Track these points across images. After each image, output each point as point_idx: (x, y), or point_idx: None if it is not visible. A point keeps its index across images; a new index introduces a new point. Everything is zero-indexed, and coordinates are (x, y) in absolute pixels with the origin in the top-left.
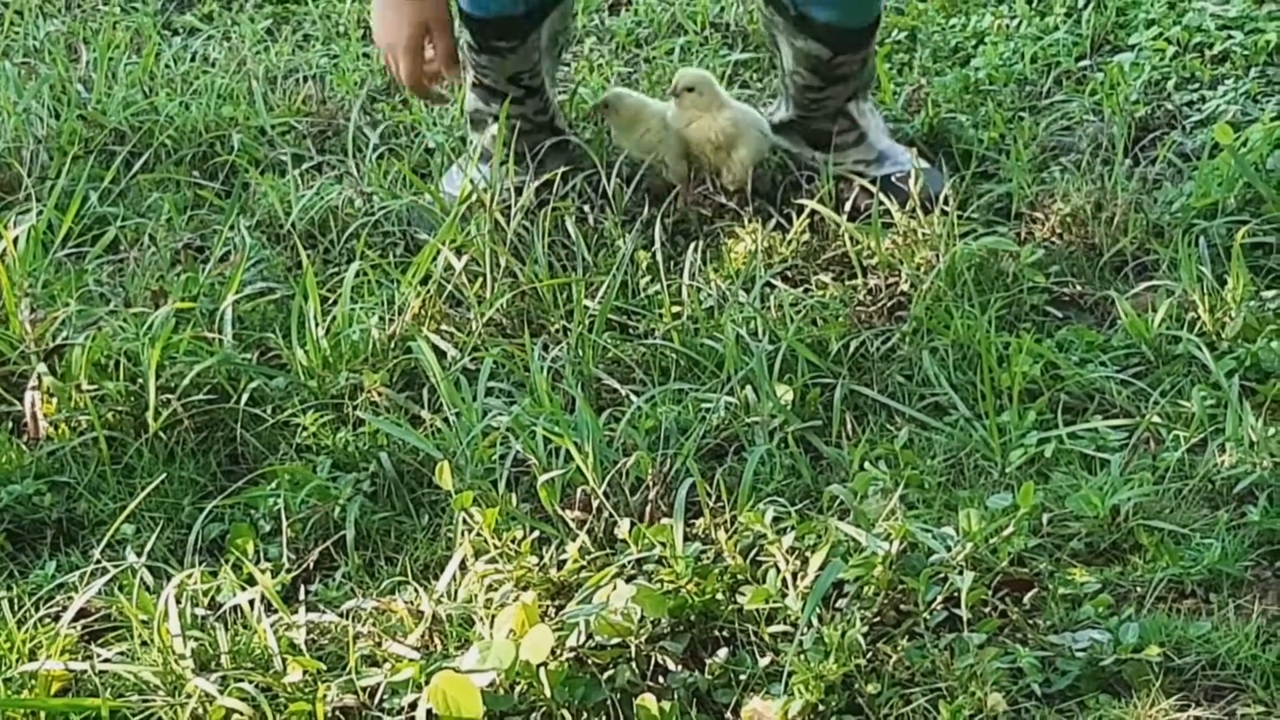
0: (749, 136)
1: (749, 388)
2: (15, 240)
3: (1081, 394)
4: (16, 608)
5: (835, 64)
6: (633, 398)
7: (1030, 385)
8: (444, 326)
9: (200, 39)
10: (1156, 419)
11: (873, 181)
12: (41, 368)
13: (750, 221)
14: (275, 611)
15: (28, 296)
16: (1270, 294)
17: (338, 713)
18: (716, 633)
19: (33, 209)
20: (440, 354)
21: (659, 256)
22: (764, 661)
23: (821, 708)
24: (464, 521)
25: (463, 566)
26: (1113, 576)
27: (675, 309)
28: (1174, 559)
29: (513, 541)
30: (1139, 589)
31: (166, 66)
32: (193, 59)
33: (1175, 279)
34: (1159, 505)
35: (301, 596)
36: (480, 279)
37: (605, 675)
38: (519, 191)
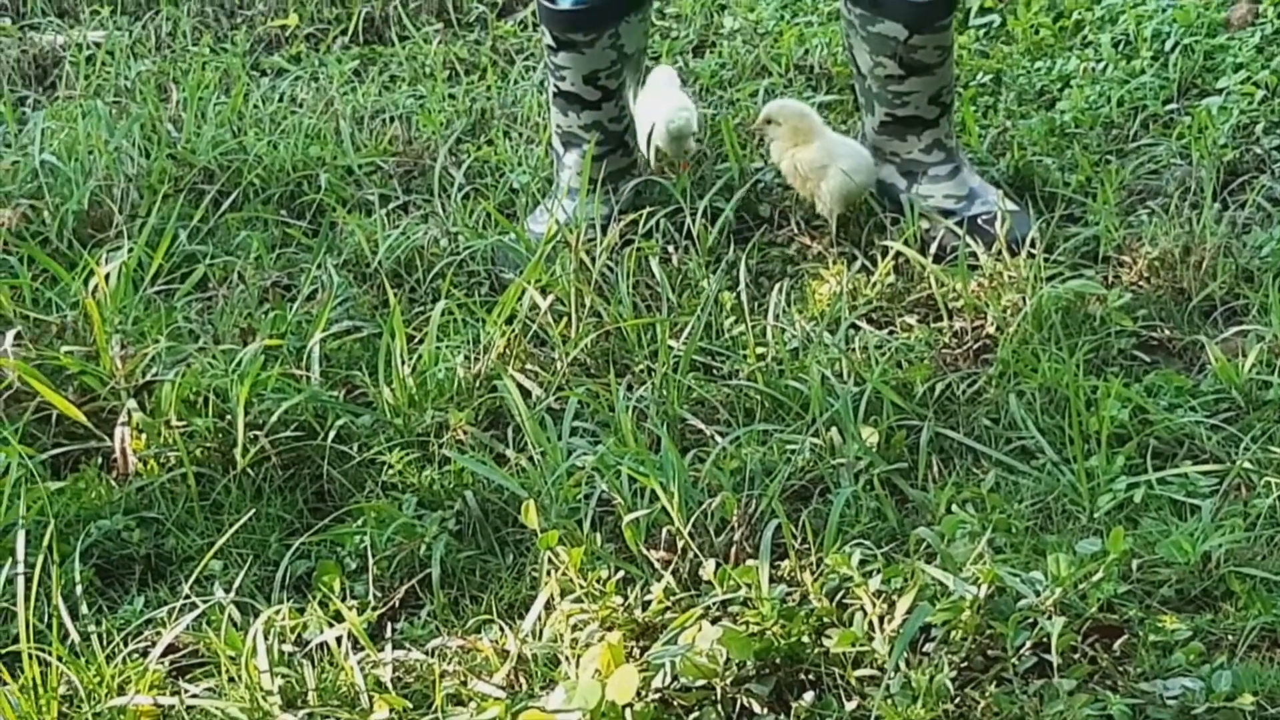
0: (835, 169)
1: (834, 429)
2: (107, 277)
3: (1171, 439)
4: (106, 643)
5: (913, 45)
6: (717, 438)
7: (1119, 430)
8: (529, 366)
9: (288, 80)
10: (1248, 465)
11: (959, 223)
12: (131, 404)
13: (835, 263)
14: (362, 649)
15: (118, 333)
16: None
17: None
18: (802, 676)
19: (124, 246)
20: (525, 393)
21: (743, 297)
22: (850, 706)
23: None
24: (549, 561)
25: (548, 606)
26: (1204, 624)
27: (759, 350)
28: (1266, 607)
29: (598, 581)
30: (1230, 637)
31: (255, 107)
32: (280, 99)
33: (1265, 324)
34: (1250, 552)
35: (388, 634)
36: (565, 318)
37: (690, 717)
38: (604, 230)
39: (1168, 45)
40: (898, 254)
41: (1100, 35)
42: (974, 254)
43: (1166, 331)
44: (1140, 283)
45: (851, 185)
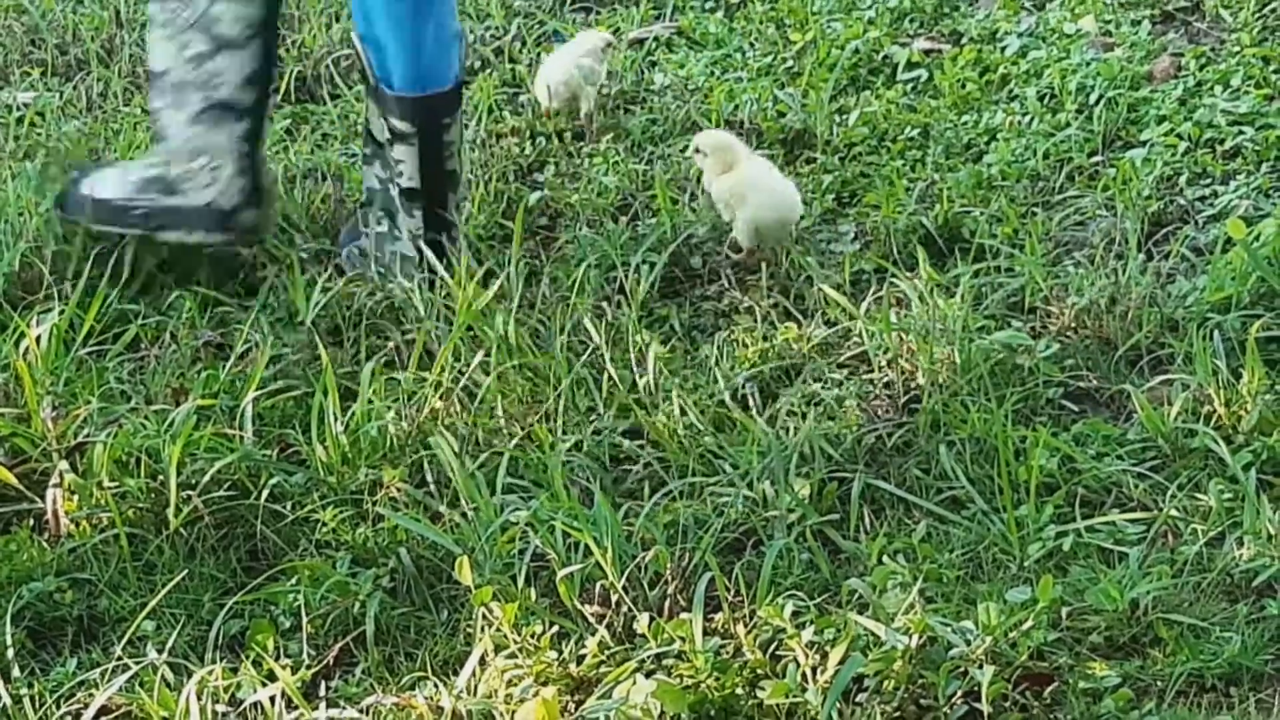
0: (753, 199)
1: (766, 482)
2: (38, 339)
3: (1099, 488)
4: (38, 705)
5: None
6: (650, 494)
7: (1047, 479)
8: (462, 421)
9: None
10: (1174, 513)
11: None
12: (63, 465)
13: (765, 316)
14: (296, 708)
15: (50, 394)
16: None
17: None
18: None
19: (54, 308)
20: (459, 449)
21: (676, 350)
22: None
23: None
24: (484, 617)
25: (482, 662)
26: (1133, 670)
27: (692, 403)
28: (1194, 653)
29: (532, 636)
30: (1159, 683)
31: None
32: None
33: (1190, 373)
34: (1178, 599)
35: (322, 693)
36: (500, 374)
37: None
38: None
39: (1092, 98)
40: (828, 299)
41: (1026, 89)
42: (902, 303)
43: (1093, 381)
44: (1067, 333)
45: (763, 220)
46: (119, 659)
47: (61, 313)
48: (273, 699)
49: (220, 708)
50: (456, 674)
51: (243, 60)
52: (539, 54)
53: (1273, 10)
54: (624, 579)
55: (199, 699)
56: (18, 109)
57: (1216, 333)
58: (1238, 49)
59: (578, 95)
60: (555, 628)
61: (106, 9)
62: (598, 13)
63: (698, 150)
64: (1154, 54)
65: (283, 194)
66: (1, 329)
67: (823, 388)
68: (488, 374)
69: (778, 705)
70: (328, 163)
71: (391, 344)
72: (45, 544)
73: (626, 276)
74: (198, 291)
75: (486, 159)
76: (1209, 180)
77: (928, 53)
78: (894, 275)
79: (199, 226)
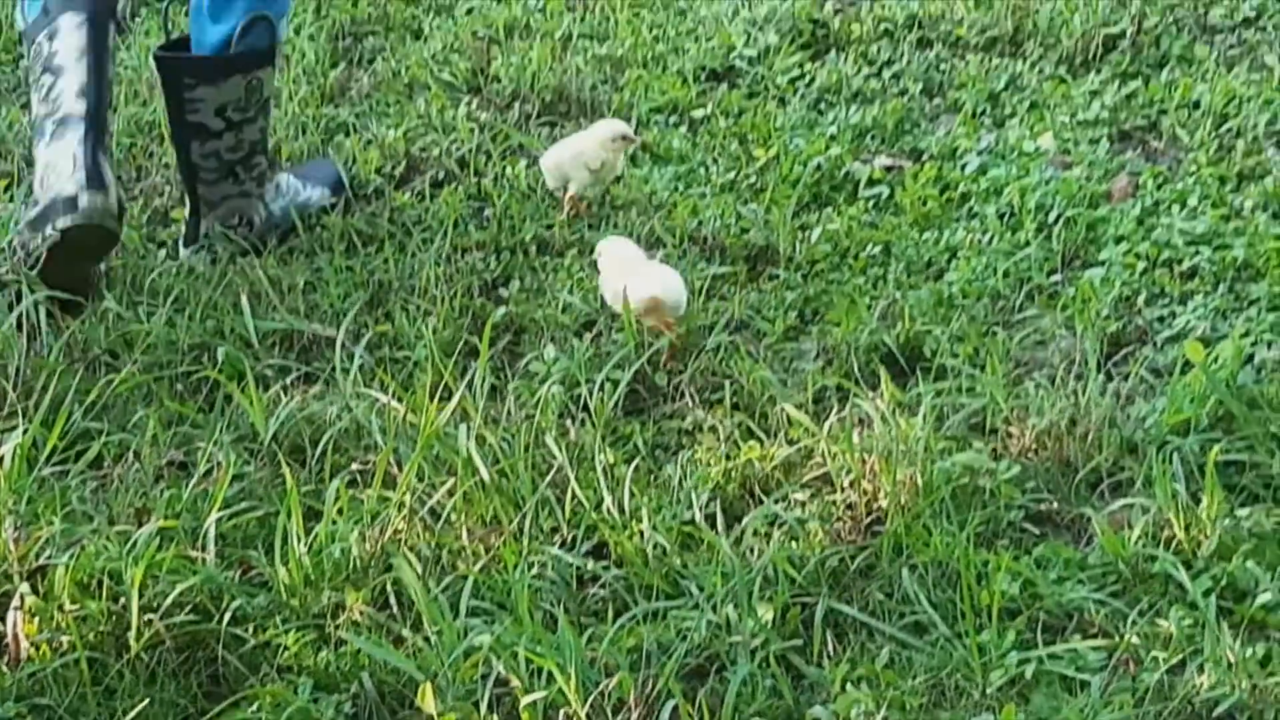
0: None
1: (730, 606)
2: (1, 459)
3: (1060, 613)
4: None
5: None
6: (614, 617)
7: (1009, 603)
8: (426, 542)
9: (185, 253)
10: (1135, 639)
11: None
12: (24, 587)
13: (729, 436)
14: None
15: (11, 514)
16: (1244, 512)
17: None
18: None
19: (18, 425)
20: (422, 571)
21: (639, 470)
22: None
23: None
24: None
25: None
26: None
27: (655, 524)
28: None
29: None
30: None
31: (151, 279)
32: (177, 272)
33: (1150, 496)
34: None
35: None
36: (463, 494)
37: None
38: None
39: (1051, 217)
40: (789, 419)
41: (986, 207)
42: (865, 423)
43: (1054, 504)
44: (1028, 454)
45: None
46: None
47: (25, 432)
48: None
49: None
50: None
51: (73, 77)
52: (504, 168)
53: (1229, 130)
54: (588, 706)
55: None
56: None
57: (1176, 456)
58: (1194, 168)
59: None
60: None
61: None
62: (563, 126)
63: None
64: (1112, 173)
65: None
66: None
67: (786, 508)
68: (451, 494)
69: None
70: (293, 276)
71: (354, 464)
72: (4, 668)
73: (590, 394)
74: (161, 408)
75: (451, 273)
76: (1167, 300)
77: (889, 169)
78: (856, 394)
79: (55, 216)
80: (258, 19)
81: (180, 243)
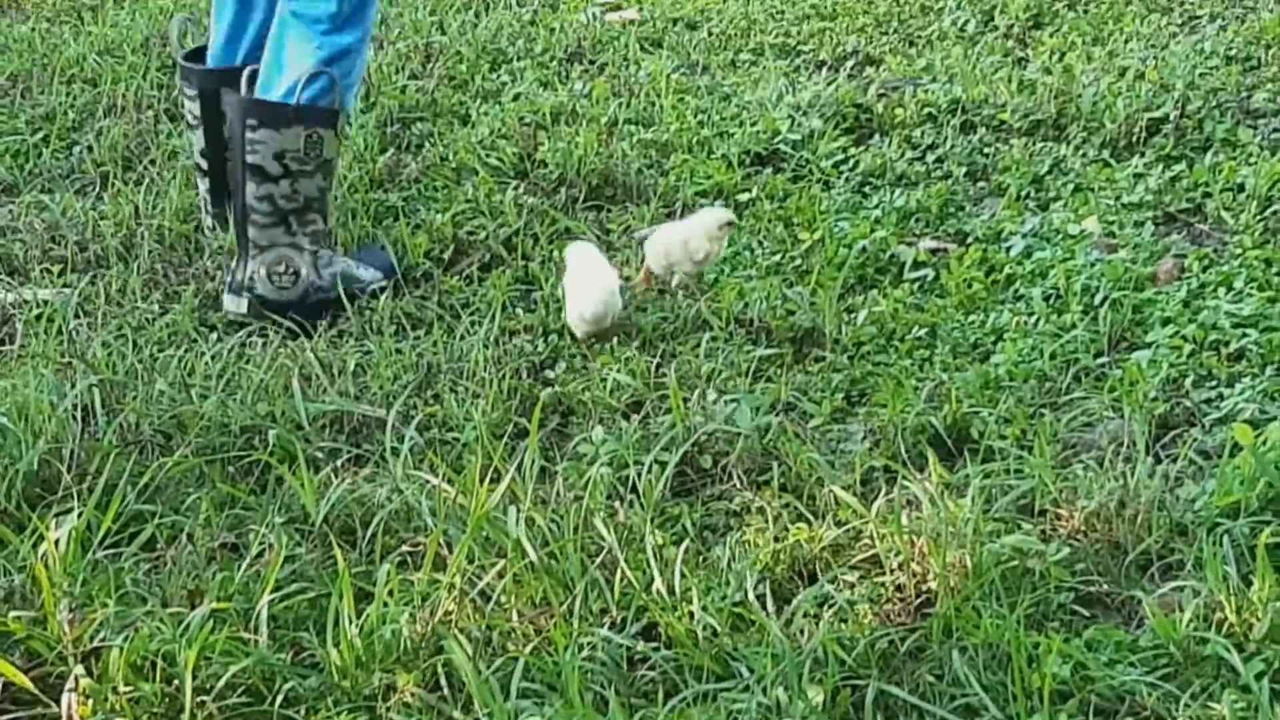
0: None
1: (780, 688)
2: (56, 541)
3: (1112, 696)
4: None
5: None
6: (665, 698)
7: (1060, 686)
8: (476, 624)
9: (237, 336)
10: None
11: None
12: (79, 669)
13: (777, 517)
14: None
15: (67, 597)
16: None
17: None
18: None
19: (73, 509)
20: (473, 653)
21: (688, 552)
22: None
23: None
24: None
25: None
26: None
27: (705, 606)
28: None
29: None
30: None
31: (205, 363)
32: (230, 355)
33: (1201, 578)
34: None
35: None
36: (513, 576)
37: None
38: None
39: (1097, 299)
40: (838, 500)
41: (1031, 289)
42: (913, 504)
43: (1104, 586)
44: (1077, 536)
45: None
46: None
47: (80, 514)
48: None
49: None
50: None
51: (197, 137)
52: (551, 251)
53: (1274, 213)
54: None
55: None
56: (38, 306)
57: (1226, 538)
58: (1240, 251)
59: (676, 268)
60: None
61: (126, 205)
62: (609, 210)
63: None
64: (1157, 255)
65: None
66: (19, 529)
67: (835, 590)
68: (501, 576)
69: None
70: (343, 360)
71: (405, 545)
72: None
73: (639, 475)
74: (214, 491)
75: (499, 355)
76: (1215, 383)
77: (934, 252)
78: (904, 476)
79: None
80: (321, 73)
81: (225, 289)
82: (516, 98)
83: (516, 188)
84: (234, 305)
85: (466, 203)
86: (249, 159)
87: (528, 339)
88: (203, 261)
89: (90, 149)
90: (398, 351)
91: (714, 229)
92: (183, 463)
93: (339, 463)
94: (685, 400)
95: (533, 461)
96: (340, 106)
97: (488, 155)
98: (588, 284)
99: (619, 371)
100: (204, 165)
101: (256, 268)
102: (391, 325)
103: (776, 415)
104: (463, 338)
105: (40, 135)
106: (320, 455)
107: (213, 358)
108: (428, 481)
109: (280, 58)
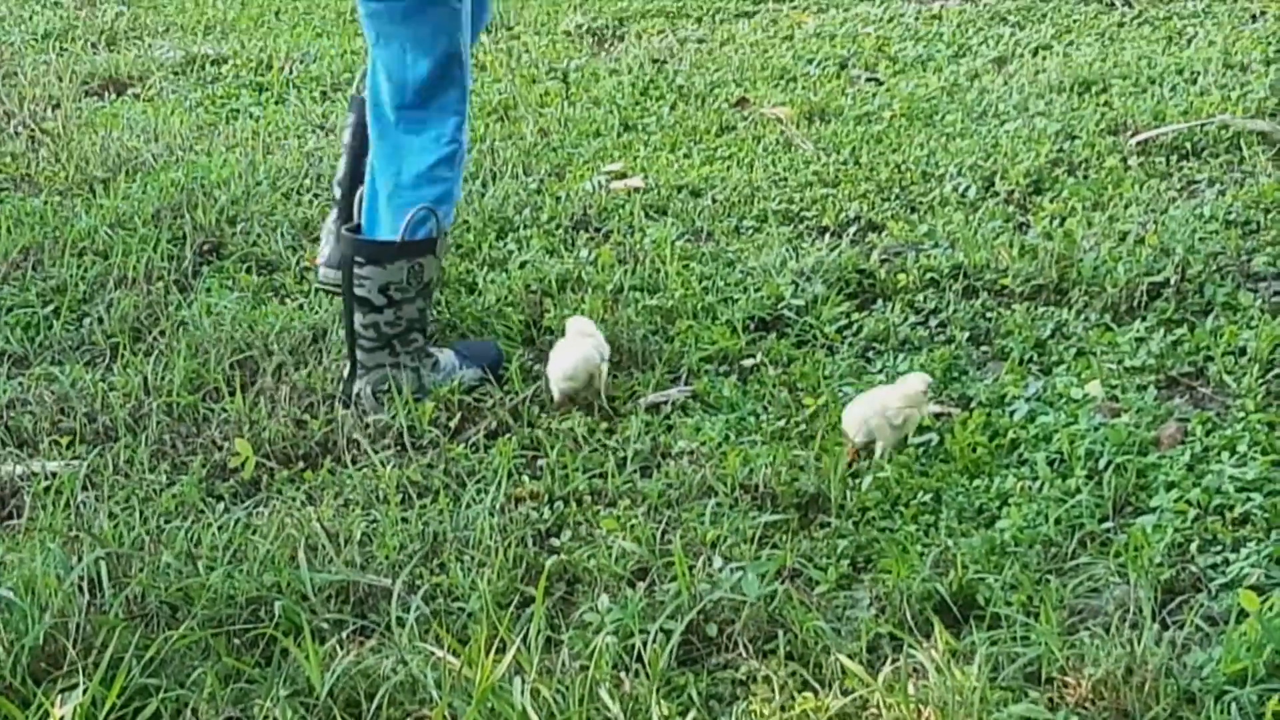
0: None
1: None
2: (61, 718)
3: None
4: None
5: None
6: None
7: None
8: None
9: (244, 506)
10: None
11: None
12: None
13: (783, 686)
14: None
15: None
16: None
17: None
18: None
19: (79, 683)
20: None
21: None
22: None
23: None
24: None
25: None
26: None
27: None
28: None
29: None
30: None
31: (211, 534)
32: (236, 526)
33: None
34: None
35: None
36: None
37: None
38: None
39: (1101, 464)
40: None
41: (1035, 453)
42: (919, 672)
43: None
44: (1085, 704)
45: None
46: None
47: (85, 690)
48: None
49: None
50: None
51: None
52: (557, 419)
53: (1276, 376)
54: None
55: None
56: (46, 478)
57: (1234, 706)
58: (1243, 415)
59: (877, 437)
60: None
61: (135, 376)
62: (615, 375)
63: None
64: (1160, 419)
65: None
66: (24, 705)
67: None
68: None
69: None
70: (350, 529)
71: (410, 718)
72: None
73: (644, 645)
74: (219, 664)
75: (505, 524)
76: (1220, 548)
77: (938, 416)
78: (910, 644)
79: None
80: (426, 210)
81: (338, 400)
82: (523, 265)
83: (522, 355)
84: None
85: None
86: (356, 291)
87: (534, 506)
88: (210, 431)
89: (100, 320)
90: (404, 520)
91: (917, 393)
92: (188, 635)
93: (344, 634)
94: (691, 568)
95: (538, 631)
96: (440, 232)
97: (494, 323)
98: (571, 350)
99: (624, 539)
100: (336, 194)
101: (363, 386)
102: (398, 494)
103: (782, 582)
104: (469, 506)
105: (51, 307)
106: (326, 626)
107: (219, 528)
108: (432, 653)
109: (384, 197)
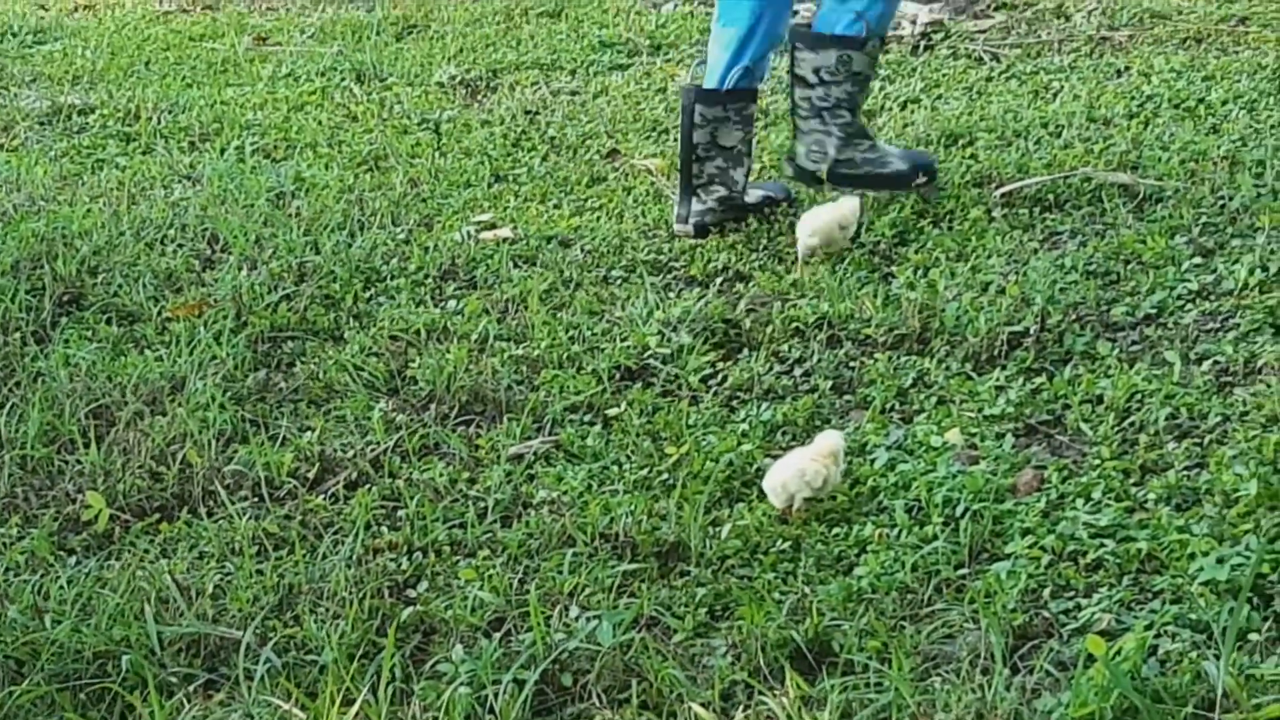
0: None
1: None
2: None
3: None
4: None
5: None
6: None
7: None
8: None
9: (96, 559)
10: None
11: None
12: None
13: None
14: None
15: None
16: None
17: None
18: None
19: None
20: None
21: None
22: None
23: None
24: None
25: None
26: None
27: None
28: None
29: None
30: None
31: (60, 588)
32: (87, 577)
33: None
34: None
35: None
36: None
37: None
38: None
39: (958, 511)
40: None
41: (895, 501)
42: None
43: None
44: None
45: None
46: None
47: None
48: None
49: None
50: None
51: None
52: (419, 468)
53: (1131, 424)
54: None
55: None
56: None
57: None
58: (1098, 462)
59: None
60: None
61: None
62: (480, 426)
63: None
64: (1018, 467)
65: None
66: None
67: None
68: None
69: None
70: (203, 581)
71: None
72: None
73: (497, 696)
74: None
75: (361, 575)
76: (1072, 593)
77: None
78: (762, 692)
79: None
80: (857, 15)
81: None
82: (389, 317)
83: (386, 405)
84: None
85: (335, 420)
86: (796, 70)
87: (391, 557)
88: (64, 484)
89: None
90: (259, 572)
91: (830, 452)
92: (33, 691)
93: (192, 688)
94: (547, 617)
95: (388, 683)
96: (867, 34)
97: (358, 373)
98: (822, 211)
99: (482, 589)
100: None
101: (801, 150)
102: (253, 546)
103: (639, 631)
104: (325, 557)
105: None
106: (174, 680)
107: (69, 582)
108: (279, 706)
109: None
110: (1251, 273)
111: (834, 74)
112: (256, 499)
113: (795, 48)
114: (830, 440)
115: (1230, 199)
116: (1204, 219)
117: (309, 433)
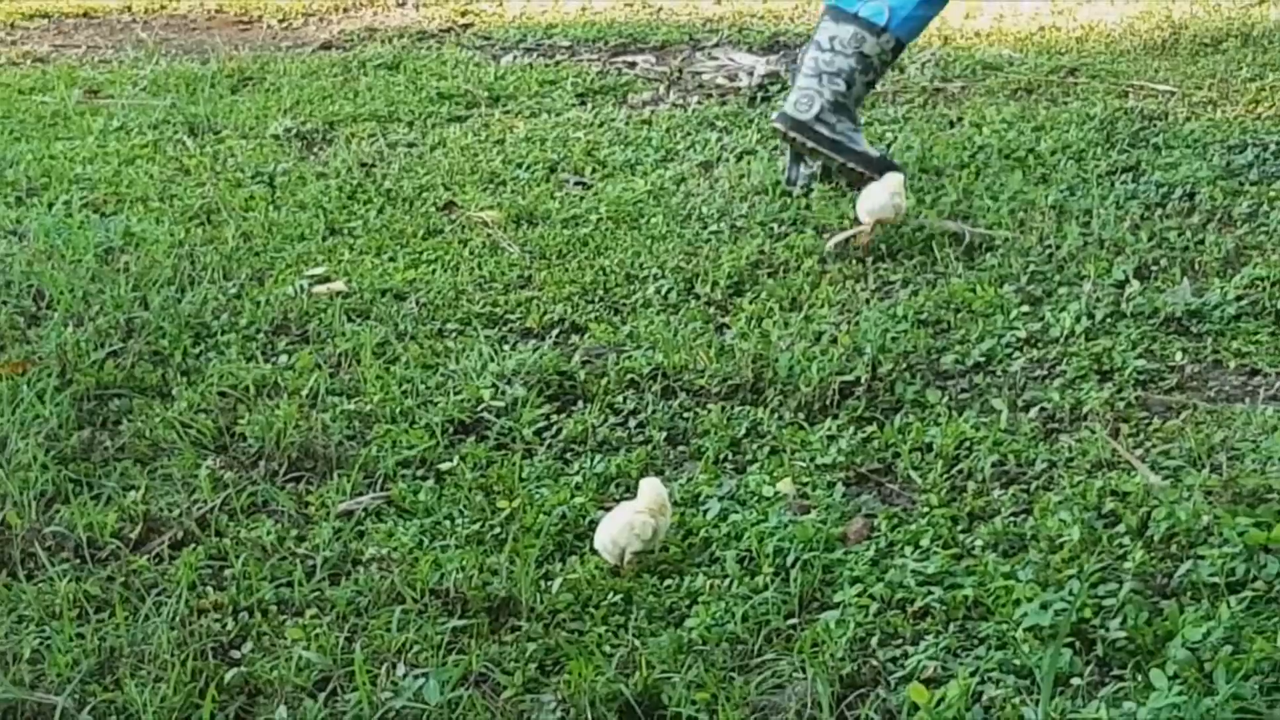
0: None
1: None
2: None
3: None
4: None
5: None
6: None
7: None
8: None
9: None
10: None
11: None
12: None
13: None
14: None
15: None
16: None
17: None
18: None
19: None
20: None
21: None
22: None
23: None
24: None
25: None
26: None
27: None
28: None
29: None
30: None
31: None
32: None
33: None
34: None
35: None
36: None
37: None
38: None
39: (789, 560)
40: None
41: (726, 551)
42: None
43: None
44: None
45: None
46: None
47: None
48: None
49: None
50: None
51: None
52: (246, 526)
53: (960, 471)
54: None
55: None
56: None
57: None
58: (927, 509)
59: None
60: None
61: None
62: (310, 482)
63: None
64: (848, 516)
65: None
66: None
67: None
68: None
69: None
70: (23, 646)
71: None
72: None
73: None
74: None
75: (185, 636)
76: (900, 641)
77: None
78: None
79: None
80: (885, 7)
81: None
82: (218, 373)
83: (214, 462)
84: (780, 124)
85: (161, 478)
86: (815, 35)
87: (216, 618)
88: None
89: None
90: (79, 635)
91: (655, 502)
92: None
93: None
94: (374, 676)
95: None
96: (886, 28)
97: (186, 430)
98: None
99: (308, 648)
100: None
101: (791, 97)
102: (73, 609)
103: (467, 688)
104: (147, 619)
105: None
106: None
107: None
108: None
109: None
110: (1077, 320)
111: (845, 47)
112: (79, 560)
113: (824, 17)
114: (653, 490)
115: (1058, 248)
116: (1032, 268)
117: (134, 492)
